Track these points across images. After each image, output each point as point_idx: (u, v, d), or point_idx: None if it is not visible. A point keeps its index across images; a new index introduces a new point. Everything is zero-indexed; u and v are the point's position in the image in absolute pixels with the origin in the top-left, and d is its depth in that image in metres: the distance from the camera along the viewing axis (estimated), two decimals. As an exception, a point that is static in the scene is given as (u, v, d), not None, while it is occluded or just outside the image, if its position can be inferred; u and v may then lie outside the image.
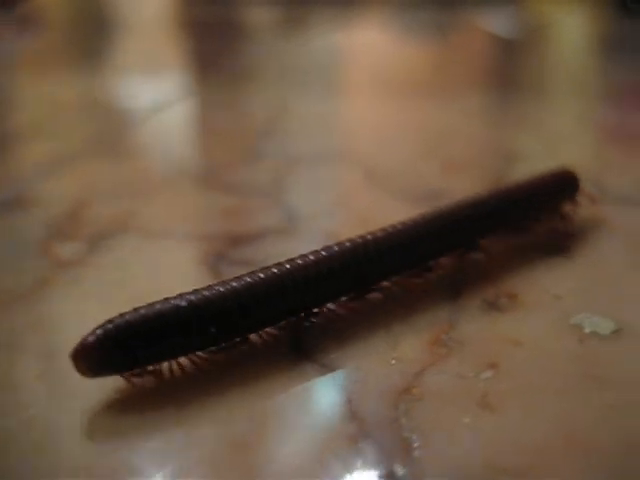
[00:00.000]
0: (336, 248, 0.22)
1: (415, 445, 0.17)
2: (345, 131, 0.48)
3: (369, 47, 0.78)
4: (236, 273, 0.21)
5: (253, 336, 0.21)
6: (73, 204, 0.32)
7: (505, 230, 0.27)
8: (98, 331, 0.18)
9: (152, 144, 0.45)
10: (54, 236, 0.29)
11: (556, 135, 0.44)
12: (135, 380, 0.19)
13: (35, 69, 0.65)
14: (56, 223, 0.30)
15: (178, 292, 0.20)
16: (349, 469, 0.16)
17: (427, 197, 0.33)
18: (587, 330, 0.22)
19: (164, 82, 0.60)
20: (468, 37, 0.87)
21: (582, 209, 0.29)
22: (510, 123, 0.49)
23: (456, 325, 0.22)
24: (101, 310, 0.24)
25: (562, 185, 0.29)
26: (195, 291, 0.20)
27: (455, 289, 0.24)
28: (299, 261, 0.21)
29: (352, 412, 0.18)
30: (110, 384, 0.19)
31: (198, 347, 0.20)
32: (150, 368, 0.19)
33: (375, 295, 0.23)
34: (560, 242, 0.28)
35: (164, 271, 0.27)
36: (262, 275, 0.20)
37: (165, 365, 0.19)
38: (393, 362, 0.20)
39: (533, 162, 0.39)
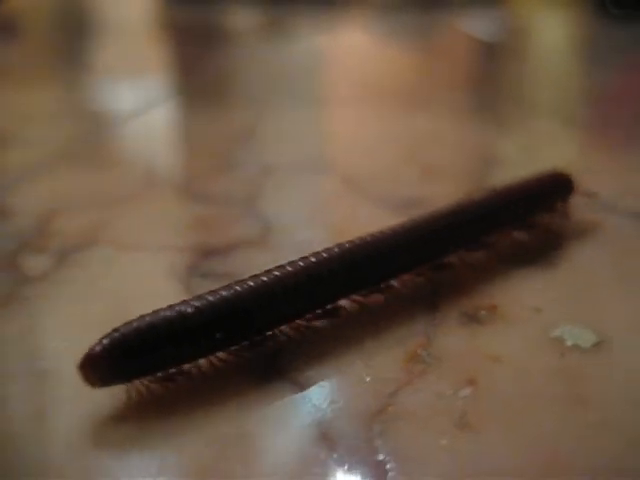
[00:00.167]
0: (313, 259, 0.21)
1: (389, 468, 0.16)
2: (324, 138, 0.48)
3: (350, 50, 0.78)
4: (208, 286, 0.20)
5: (221, 354, 0.20)
6: (43, 215, 0.31)
7: (495, 233, 0.26)
8: (104, 340, 0.18)
9: (127, 152, 0.44)
10: (22, 249, 0.28)
11: (538, 139, 0.44)
12: (140, 389, 0.19)
13: (9, 74, 0.64)
14: (24, 235, 0.29)
15: (149, 307, 0.19)
16: (320, 496, 0.16)
17: (407, 205, 0.32)
18: (568, 343, 0.21)
19: (143, 87, 0.59)
20: (450, 40, 0.87)
21: (573, 213, 0.29)
22: (492, 127, 0.48)
23: (433, 340, 0.21)
24: (69, 326, 0.23)
25: (556, 187, 0.28)
26: (199, 297, 0.19)
27: (432, 301, 0.23)
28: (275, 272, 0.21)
29: (324, 434, 0.17)
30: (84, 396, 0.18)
31: (204, 353, 0.19)
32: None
33: (349, 309, 0.22)
34: (540, 251, 0.27)
35: (135, 285, 0.26)
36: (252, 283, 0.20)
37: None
38: (368, 380, 0.19)
39: (514, 167, 0.38)
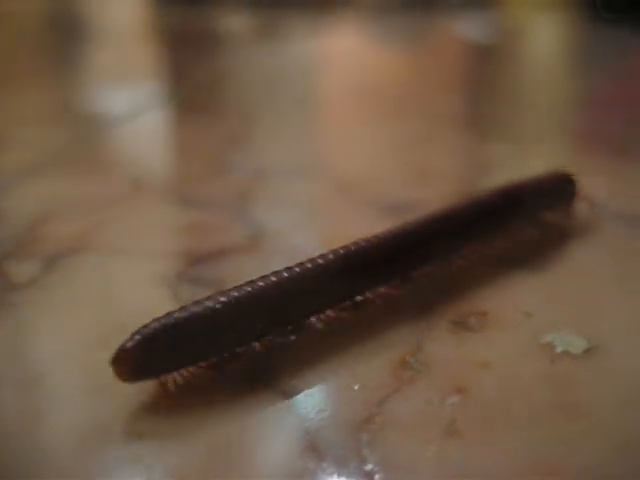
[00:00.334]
0: (297, 269, 0.21)
1: (378, 478, 0.16)
2: (316, 141, 0.47)
3: (343, 53, 0.78)
4: (197, 293, 0.20)
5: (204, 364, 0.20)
6: (32, 220, 0.31)
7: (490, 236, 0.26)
8: (136, 336, 0.18)
9: (118, 156, 0.44)
10: (9, 255, 0.28)
11: (531, 142, 0.44)
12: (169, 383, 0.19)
13: (1, 77, 0.64)
14: (12, 241, 0.29)
15: (138, 313, 0.19)
16: (307, 508, 0.15)
17: (400, 209, 0.32)
18: (559, 349, 0.21)
19: (135, 91, 0.59)
20: (443, 43, 0.87)
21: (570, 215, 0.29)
22: (484, 130, 0.48)
23: (422, 346, 0.21)
24: (58, 332, 0.23)
25: (559, 189, 0.28)
26: (223, 292, 0.20)
27: (422, 307, 0.23)
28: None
29: (312, 444, 0.17)
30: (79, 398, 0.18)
31: (230, 347, 0.20)
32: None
33: (337, 316, 0.22)
34: (531, 254, 0.27)
35: (123, 291, 0.25)
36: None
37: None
38: (356, 388, 0.19)
39: (506, 170, 0.38)
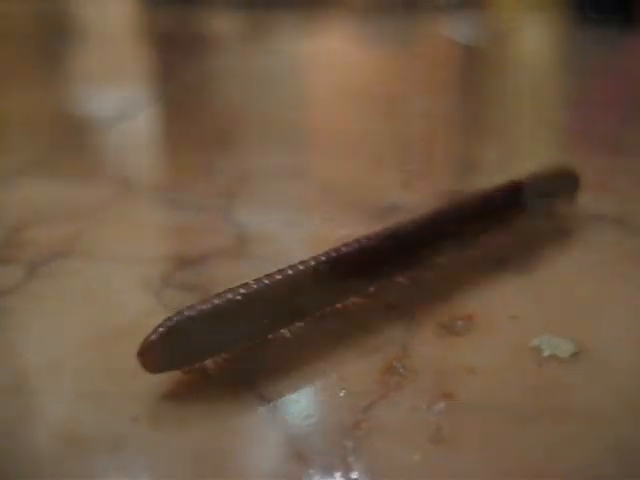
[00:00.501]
0: (290, 271, 0.21)
1: (364, 486, 0.16)
2: (304, 143, 0.47)
3: (332, 55, 0.78)
4: (182, 297, 0.20)
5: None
6: (16, 224, 0.31)
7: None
8: (160, 329, 0.19)
9: (103, 159, 0.43)
10: (-10, 260, 0.28)
11: (519, 144, 0.44)
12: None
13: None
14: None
15: (123, 319, 0.19)
16: (291, 517, 0.15)
17: (387, 211, 0.32)
18: (546, 353, 0.21)
19: (122, 94, 0.58)
20: (430, 44, 0.87)
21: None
22: (474, 131, 0.48)
23: (409, 351, 0.21)
24: (38, 341, 0.22)
25: (562, 184, 0.28)
26: (245, 284, 0.20)
27: (408, 311, 0.23)
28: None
29: (297, 451, 0.17)
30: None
31: (252, 338, 0.20)
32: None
33: (323, 319, 0.22)
34: (517, 256, 0.27)
35: (107, 297, 0.25)
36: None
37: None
38: (342, 394, 0.19)
39: (495, 172, 0.38)
